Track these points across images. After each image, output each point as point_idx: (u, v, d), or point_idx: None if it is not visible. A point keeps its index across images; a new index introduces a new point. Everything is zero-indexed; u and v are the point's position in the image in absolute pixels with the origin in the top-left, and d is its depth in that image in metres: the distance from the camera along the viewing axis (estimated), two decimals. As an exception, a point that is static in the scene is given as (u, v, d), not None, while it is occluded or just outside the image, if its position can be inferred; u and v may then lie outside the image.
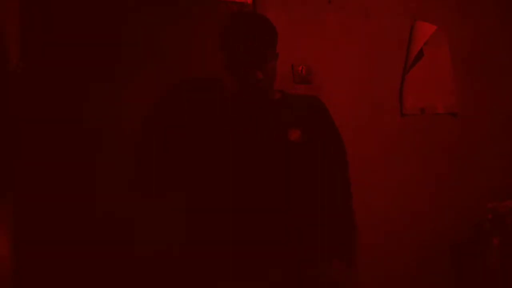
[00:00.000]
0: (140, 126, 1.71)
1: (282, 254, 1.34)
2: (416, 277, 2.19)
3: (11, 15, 1.57)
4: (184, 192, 1.53)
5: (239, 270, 1.34)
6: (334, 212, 1.46)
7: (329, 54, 2.19)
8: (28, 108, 1.61)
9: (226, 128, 1.44)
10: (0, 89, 1.44)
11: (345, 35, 2.24)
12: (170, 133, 1.58)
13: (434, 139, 2.35)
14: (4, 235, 1.41)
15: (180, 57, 1.85)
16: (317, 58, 2.15)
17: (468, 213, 2.29)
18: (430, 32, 2.31)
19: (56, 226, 1.60)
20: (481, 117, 2.47)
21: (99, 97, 1.72)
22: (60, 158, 1.64)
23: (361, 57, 2.25)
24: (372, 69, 2.27)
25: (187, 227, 1.53)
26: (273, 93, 1.55)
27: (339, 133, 1.59)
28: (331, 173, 1.50)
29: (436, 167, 2.32)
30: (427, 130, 2.34)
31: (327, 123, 1.56)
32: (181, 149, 1.52)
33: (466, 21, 2.51)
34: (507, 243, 2.09)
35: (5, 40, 1.43)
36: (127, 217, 1.68)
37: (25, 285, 1.52)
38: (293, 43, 2.09)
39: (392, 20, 2.34)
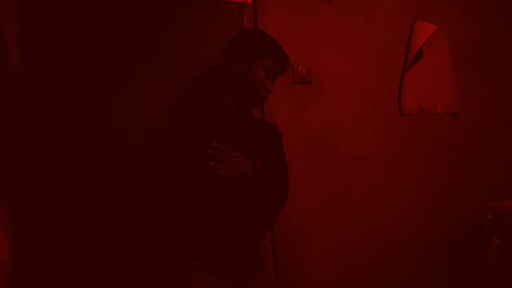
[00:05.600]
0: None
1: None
2: (416, 277, 2.19)
3: (11, 15, 1.56)
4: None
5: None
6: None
7: (329, 54, 2.19)
8: (28, 108, 1.61)
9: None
10: (0, 89, 1.44)
11: (345, 35, 2.24)
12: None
13: (433, 139, 2.35)
14: (4, 235, 1.41)
15: (180, 57, 1.85)
16: (317, 58, 2.15)
17: (468, 213, 2.29)
18: (430, 32, 2.31)
19: (56, 226, 1.60)
20: (481, 117, 2.47)
21: (99, 97, 1.72)
22: (60, 158, 1.64)
23: (361, 57, 2.26)
24: (371, 69, 2.27)
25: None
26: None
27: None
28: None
29: (436, 167, 2.32)
30: (426, 130, 2.34)
31: (280, 152, 1.62)
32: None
33: (466, 21, 2.52)
34: (507, 243, 2.09)
35: (5, 40, 1.43)
36: (126, 217, 1.68)
37: (25, 285, 1.52)
38: (293, 43, 2.09)
39: (392, 20, 2.34)
